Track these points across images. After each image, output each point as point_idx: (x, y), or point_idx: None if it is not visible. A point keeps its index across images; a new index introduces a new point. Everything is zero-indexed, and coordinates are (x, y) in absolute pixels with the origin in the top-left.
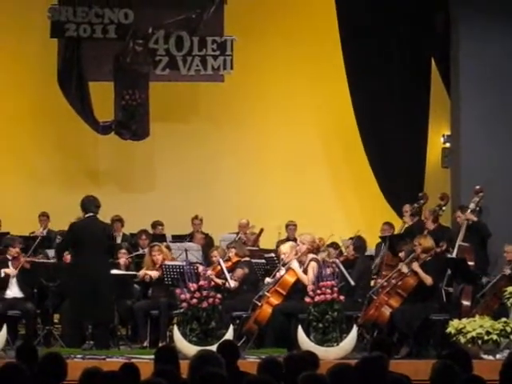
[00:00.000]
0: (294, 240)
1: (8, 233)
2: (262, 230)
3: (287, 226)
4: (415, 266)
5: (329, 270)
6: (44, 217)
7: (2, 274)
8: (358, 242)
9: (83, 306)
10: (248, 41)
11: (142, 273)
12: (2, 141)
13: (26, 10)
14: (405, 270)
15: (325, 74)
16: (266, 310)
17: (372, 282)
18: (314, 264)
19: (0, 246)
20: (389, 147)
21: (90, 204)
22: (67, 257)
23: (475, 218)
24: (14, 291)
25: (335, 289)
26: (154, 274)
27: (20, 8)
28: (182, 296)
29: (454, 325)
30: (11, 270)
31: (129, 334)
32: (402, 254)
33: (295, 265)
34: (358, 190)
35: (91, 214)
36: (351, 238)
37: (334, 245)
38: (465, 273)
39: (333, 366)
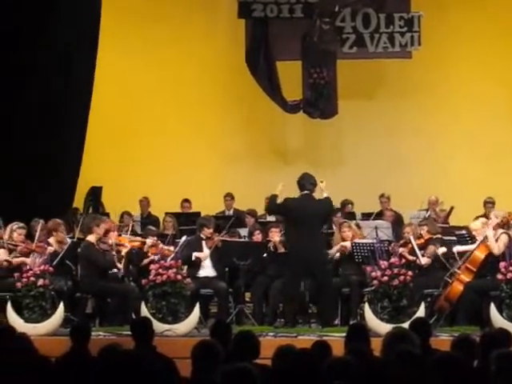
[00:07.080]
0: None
1: (199, 213)
2: (452, 208)
3: (485, 202)
4: None
5: None
6: (228, 197)
7: (193, 258)
8: None
9: (298, 285)
10: (434, 16)
11: (335, 249)
12: (193, 121)
13: None
14: None
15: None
16: (457, 288)
17: None
18: (505, 236)
19: (194, 226)
20: None
21: (305, 181)
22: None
23: None
24: (206, 270)
25: None
26: (348, 244)
27: None
28: (373, 274)
29: None
30: (203, 254)
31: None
32: None
33: (490, 233)
34: None
35: (306, 192)
36: None
37: None
38: None
39: None
